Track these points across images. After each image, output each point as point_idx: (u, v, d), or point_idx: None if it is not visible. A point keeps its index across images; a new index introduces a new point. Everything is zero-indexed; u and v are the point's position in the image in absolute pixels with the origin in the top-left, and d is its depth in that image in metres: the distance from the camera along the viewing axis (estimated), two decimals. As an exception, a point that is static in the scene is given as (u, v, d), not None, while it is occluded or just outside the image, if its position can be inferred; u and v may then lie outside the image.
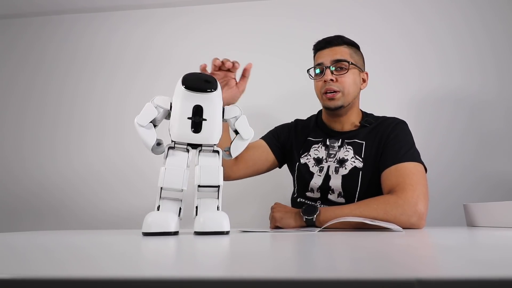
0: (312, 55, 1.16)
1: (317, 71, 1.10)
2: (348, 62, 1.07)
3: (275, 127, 1.24)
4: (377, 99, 1.55)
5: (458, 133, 1.49)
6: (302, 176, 1.10)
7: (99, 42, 1.80)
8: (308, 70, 1.13)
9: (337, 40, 1.10)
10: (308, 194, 1.08)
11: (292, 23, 1.68)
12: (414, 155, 0.99)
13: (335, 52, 1.08)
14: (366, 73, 1.15)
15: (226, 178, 1.12)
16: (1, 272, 0.25)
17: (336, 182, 1.04)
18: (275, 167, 1.21)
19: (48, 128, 1.75)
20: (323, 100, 1.10)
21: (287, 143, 1.19)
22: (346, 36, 1.13)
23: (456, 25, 1.57)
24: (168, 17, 1.77)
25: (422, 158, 1.00)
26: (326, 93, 1.07)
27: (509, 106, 1.49)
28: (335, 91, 1.06)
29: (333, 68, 1.07)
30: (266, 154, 1.17)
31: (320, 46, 1.12)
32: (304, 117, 1.26)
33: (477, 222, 0.96)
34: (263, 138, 1.21)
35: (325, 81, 1.06)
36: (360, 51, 1.14)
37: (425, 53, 1.57)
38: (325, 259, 0.34)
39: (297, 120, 1.25)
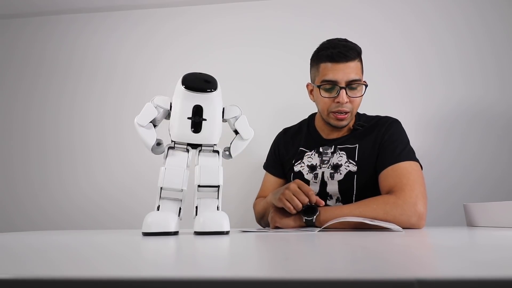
0: (314, 53, 1.07)
1: (328, 86, 1.02)
2: (364, 85, 1.04)
3: (271, 149, 1.25)
4: (377, 98, 1.55)
5: (459, 134, 1.49)
6: None
7: (97, 42, 1.80)
8: (319, 86, 1.03)
9: (353, 54, 1.00)
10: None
11: (292, 23, 1.68)
12: (409, 154, 0.99)
13: (350, 70, 1.00)
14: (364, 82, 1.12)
15: None
16: (1, 273, 0.25)
17: (333, 187, 1.04)
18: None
19: (50, 129, 1.75)
20: (329, 118, 1.06)
21: (281, 157, 1.20)
22: (355, 40, 1.06)
23: (457, 26, 1.57)
24: (166, 17, 1.77)
25: (423, 159, 1.01)
26: (336, 113, 1.04)
27: (510, 106, 1.49)
28: (346, 113, 1.03)
29: (347, 88, 1.01)
30: (279, 182, 1.19)
31: (334, 58, 1.00)
32: (305, 117, 1.25)
33: (477, 222, 0.96)
34: (268, 170, 1.23)
35: (338, 102, 1.02)
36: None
37: (427, 53, 1.57)
38: (325, 260, 0.34)
39: (285, 130, 1.25)
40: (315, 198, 0.88)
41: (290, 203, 0.88)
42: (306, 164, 1.10)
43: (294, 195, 0.88)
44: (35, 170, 1.72)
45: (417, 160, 0.98)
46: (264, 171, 1.25)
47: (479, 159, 1.46)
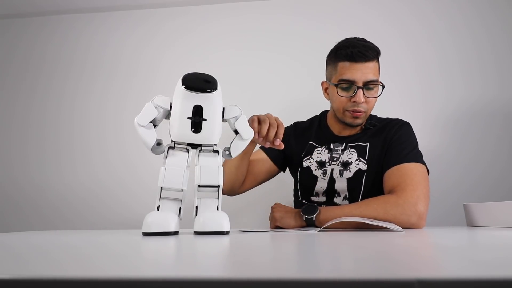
0: (332, 51, 1.06)
1: (345, 86, 1.02)
2: (381, 85, 1.03)
3: None
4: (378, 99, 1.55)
5: (458, 133, 1.49)
6: (305, 181, 1.09)
7: (98, 42, 1.80)
8: (337, 85, 1.02)
9: (372, 54, 1.00)
10: (313, 198, 1.08)
11: (291, 23, 1.68)
12: (416, 156, 0.99)
13: (369, 70, 0.99)
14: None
15: (234, 192, 1.14)
16: (1, 273, 0.25)
17: (341, 185, 1.04)
18: (278, 173, 1.21)
19: (51, 129, 1.75)
20: (344, 116, 1.05)
21: (287, 149, 1.17)
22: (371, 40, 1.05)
23: (456, 26, 1.57)
24: (167, 17, 1.77)
25: (423, 158, 1.00)
26: (351, 111, 1.03)
27: (509, 105, 1.49)
28: (361, 112, 1.03)
29: (364, 88, 1.00)
30: (268, 165, 1.16)
31: (353, 57, 0.99)
32: (304, 119, 1.25)
33: (477, 222, 0.96)
34: (264, 149, 1.17)
35: (355, 101, 1.01)
36: None
37: (426, 53, 1.57)
38: (325, 259, 0.34)
39: (296, 123, 1.22)
40: (281, 135, 0.86)
41: (261, 126, 0.85)
42: (315, 160, 1.09)
43: (269, 120, 0.86)
44: (35, 169, 1.72)
45: (424, 163, 0.98)
46: (258, 150, 1.17)
47: (478, 159, 1.46)
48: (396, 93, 1.55)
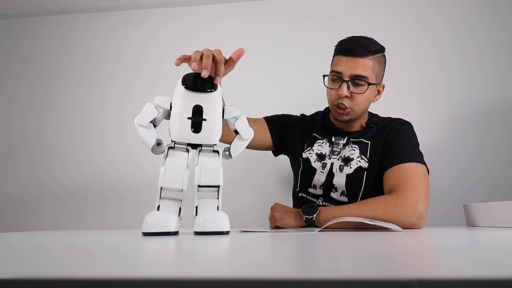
0: (332, 45, 1.07)
1: (333, 77, 1.03)
2: (368, 82, 1.00)
3: (282, 114, 1.22)
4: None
5: (458, 133, 1.49)
6: (304, 172, 1.10)
7: (99, 42, 1.80)
8: (324, 76, 1.06)
9: (363, 51, 0.98)
10: (311, 190, 1.08)
11: (292, 24, 1.68)
12: (417, 156, 0.99)
13: (357, 65, 0.99)
14: (383, 86, 1.08)
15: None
16: (1, 272, 0.25)
17: (340, 180, 1.04)
18: (267, 149, 1.21)
19: (52, 129, 1.75)
20: (332, 110, 1.07)
21: (290, 136, 1.17)
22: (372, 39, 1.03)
23: (456, 26, 1.57)
24: (168, 17, 1.77)
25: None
26: (335, 105, 1.04)
27: (509, 105, 1.49)
28: (346, 108, 1.02)
29: (351, 83, 1.00)
30: (264, 134, 1.16)
31: (343, 51, 1.01)
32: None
33: (477, 222, 0.96)
34: (266, 118, 1.19)
35: (338, 94, 1.01)
36: (384, 57, 1.05)
37: (425, 53, 1.57)
38: (325, 259, 0.34)
39: (303, 115, 1.23)
40: (220, 77, 0.73)
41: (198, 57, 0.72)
42: (315, 152, 1.09)
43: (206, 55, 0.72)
44: (37, 169, 1.72)
45: (424, 164, 0.98)
46: (262, 118, 1.19)
47: (478, 159, 1.46)
48: (396, 93, 1.55)
